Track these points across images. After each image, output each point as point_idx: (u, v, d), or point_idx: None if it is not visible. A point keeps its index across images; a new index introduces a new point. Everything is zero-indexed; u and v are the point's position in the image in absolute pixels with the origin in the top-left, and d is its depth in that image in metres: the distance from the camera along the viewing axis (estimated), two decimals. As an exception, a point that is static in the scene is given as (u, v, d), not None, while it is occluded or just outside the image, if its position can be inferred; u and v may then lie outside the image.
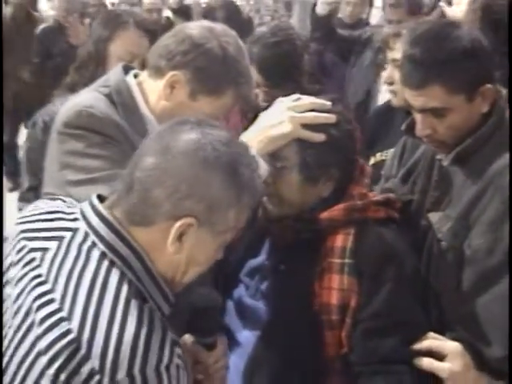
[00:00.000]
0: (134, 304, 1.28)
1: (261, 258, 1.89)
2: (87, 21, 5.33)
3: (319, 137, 1.76)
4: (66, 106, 1.94)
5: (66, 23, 6.21)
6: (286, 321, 1.77)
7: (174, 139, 1.34)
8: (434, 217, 1.90)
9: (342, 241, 1.75)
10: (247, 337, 1.84)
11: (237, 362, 1.79)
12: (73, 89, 2.50)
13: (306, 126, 1.76)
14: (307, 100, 1.81)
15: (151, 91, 1.88)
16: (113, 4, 8.13)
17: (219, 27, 1.88)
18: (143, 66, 2.49)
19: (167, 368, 1.24)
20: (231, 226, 1.38)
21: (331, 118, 1.78)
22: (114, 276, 1.30)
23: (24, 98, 6.30)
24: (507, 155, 1.79)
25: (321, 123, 1.77)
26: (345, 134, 1.80)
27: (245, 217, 1.41)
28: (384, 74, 2.70)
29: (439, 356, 1.71)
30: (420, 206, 1.98)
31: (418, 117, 1.85)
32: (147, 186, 1.32)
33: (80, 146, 1.82)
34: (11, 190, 6.28)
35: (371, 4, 6.79)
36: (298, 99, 1.81)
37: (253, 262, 1.90)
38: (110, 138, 1.82)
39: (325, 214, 1.77)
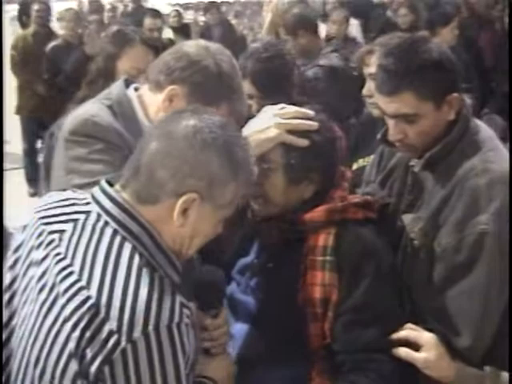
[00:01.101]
0: (145, 271, 1.32)
1: (250, 257, 1.92)
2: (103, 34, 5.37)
3: (302, 142, 1.79)
4: (72, 116, 1.96)
5: (73, 41, 6.27)
6: (273, 314, 1.79)
7: (175, 125, 1.40)
8: (407, 218, 1.93)
9: (323, 240, 1.78)
10: (239, 329, 1.85)
11: (230, 353, 1.80)
12: (84, 102, 2.51)
13: (291, 132, 1.80)
14: (292, 108, 1.84)
15: (151, 104, 1.89)
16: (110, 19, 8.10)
17: (215, 46, 1.91)
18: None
19: (178, 326, 1.28)
20: (230, 200, 1.42)
21: (313, 125, 1.81)
22: (126, 249, 1.35)
23: (40, 109, 6.33)
24: (471, 160, 1.81)
25: (304, 130, 1.80)
26: (326, 141, 1.83)
27: (242, 192, 1.46)
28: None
29: (416, 346, 1.73)
30: (396, 208, 2.00)
31: (390, 122, 1.87)
32: (152, 168, 1.37)
33: (84, 151, 1.85)
34: (32, 195, 6.30)
35: (347, 21, 6.81)
36: (283, 108, 1.84)
37: (243, 261, 1.92)
38: (113, 145, 1.85)
39: (307, 215, 1.80)
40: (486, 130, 1.92)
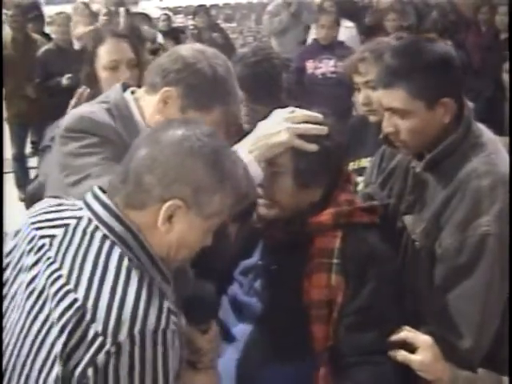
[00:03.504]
0: (134, 274, 1.32)
1: (254, 259, 1.91)
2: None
3: (312, 147, 1.78)
4: (69, 114, 1.98)
5: (65, 45, 6.25)
6: (277, 316, 1.78)
7: (163, 133, 1.41)
8: (408, 219, 1.93)
9: (330, 243, 1.77)
10: (242, 330, 1.84)
11: (233, 354, 1.81)
12: None
13: (301, 136, 1.78)
14: (302, 112, 1.83)
15: (147, 106, 1.90)
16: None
17: (210, 50, 1.92)
18: (131, 67, 2.62)
19: (164, 332, 1.27)
20: (217, 210, 1.41)
21: (323, 129, 1.80)
22: (116, 253, 1.34)
23: (28, 114, 6.30)
24: (473, 162, 1.81)
25: (314, 134, 1.79)
26: (335, 145, 1.82)
27: (230, 203, 1.44)
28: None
29: (412, 348, 1.73)
30: (396, 209, 2.00)
31: (385, 114, 1.89)
32: (140, 173, 1.37)
33: (78, 145, 1.84)
34: (23, 200, 6.25)
35: (339, 24, 6.80)
36: (293, 111, 1.83)
37: (247, 262, 1.91)
38: (108, 140, 1.84)
39: (315, 218, 1.79)
40: (488, 134, 1.92)
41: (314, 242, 1.78)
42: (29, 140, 7.00)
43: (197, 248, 1.47)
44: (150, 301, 1.28)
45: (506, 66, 4.71)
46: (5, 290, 1.43)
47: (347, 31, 6.40)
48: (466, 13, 7.59)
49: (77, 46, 6.15)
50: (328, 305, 1.73)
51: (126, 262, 1.33)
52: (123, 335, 1.24)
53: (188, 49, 1.90)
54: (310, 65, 5.61)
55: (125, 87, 2.00)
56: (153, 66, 1.91)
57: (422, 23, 6.64)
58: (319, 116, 1.83)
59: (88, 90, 2.69)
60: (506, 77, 4.70)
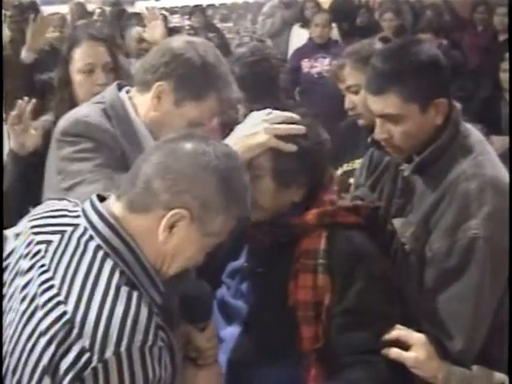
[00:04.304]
0: (123, 290, 1.30)
1: (240, 261, 1.90)
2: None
3: (291, 147, 1.77)
4: (65, 117, 1.96)
5: (60, 46, 6.21)
6: (264, 318, 1.77)
7: (181, 144, 1.40)
8: (397, 222, 1.92)
9: (315, 243, 1.76)
10: (230, 333, 1.83)
11: (221, 356, 1.78)
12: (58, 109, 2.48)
13: (279, 137, 1.77)
14: (279, 113, 1.82)
15: (140, 104, 1.89)
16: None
17: (198, 39, 1.93)
18: (107, 71, 2.55)
19: (150, 349, 1.26)
20: (218, 230, 1.41)
21: (301, 129, 1.79)
22: (107, 266, 1.33)
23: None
24: (461, 165, 1.81)
25: (292, 134, 1.78)
26: (314, 144, 1.81)
27: (230, 226, 1.44)
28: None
29: (406, 346, 1.72)
30: (386, 212, 1.99)
31: (377, 121, 1.87)
32: (150, 177, 1.36)
33: (74, 150, 1.84)
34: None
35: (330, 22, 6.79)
36: (270, 113, 1.82)
37: (233, 265, 1.90)
38: (104, 144, 1.84)
39: (298, 219, 1.78)
40: (475, 134, 1.91)
41: (299, 243, 1.78)
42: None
43: (189, 264, 1.46)
44: (137, 318, 1.27)
45: (504, 65, 4.71)
46: (4, 290, 1.43)
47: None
48: (461, 12, 7.59)
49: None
50: (315, 306, 1.73)
51: (117, 276, 1.32)
52: (109, 352, 1.23)
53: (175, 40, 1.91)
54: (305, 64, 5.62)
55: (120, 87, 1.99)
56: (141, 63, 1.92)
57: (418, 22, 6.64)
58: (296, 116, 1.82)
59: (32, 101, 2.54)
60: (503, 76, 4.70)
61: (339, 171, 2.75)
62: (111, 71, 2.58)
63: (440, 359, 1.73)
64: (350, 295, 1.71)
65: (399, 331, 1.73)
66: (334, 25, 6.55)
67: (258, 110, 1.88)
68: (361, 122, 2.54)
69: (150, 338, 1.26)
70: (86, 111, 1.90)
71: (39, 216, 1.50)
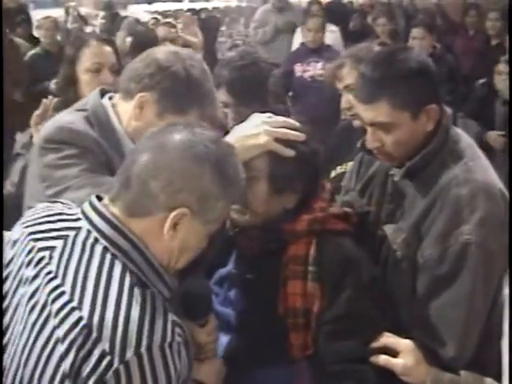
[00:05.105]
0: (137, 290, 1.30)
1: (228, 268, 1.87)
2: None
3: (289, 152, 1.75)
4: (47, 124, 1.95)
5: (52, 49, 6.20)
6: (253, 325, 1.75)
7: (168, 137, 1.38)
8: (388, 229, 1.90)
9: (304, 250, 1.74)
10: (219, 341, 1.79)
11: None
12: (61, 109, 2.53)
13: (278, 141, 1.75)
14: (280, 118, 1.80)
15: (123, 112, 1.87)
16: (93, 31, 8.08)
17: (184, 51, 1.91)
18: (113, 72, 2.65)
19: (170, 345, 1.27)
20: (219, 216, 1.42)
21: (301, 136, 1.77)
22: (117, 268, 1.32)
23: (16, 118, 6.23)
24: (452, 170, 1.80)
25: (291, 140, 1.76)
26: (311, 152, 1.80)
27: (229, 208, 1.47)
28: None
29: (393, 353, 1.71)
30: (376, 217, 1.97)
31: (368, 130, 1.86)
32: (144, 179, 1.34)
33: (57, 157, 1.82)
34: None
35: (324, 28, 6.78)
36: (271, 117, 1.80)
37: (221, 272, 1.88)
38: (88, 150, 1.82)
39: (289, 225, 1.76)
40: (466, 139, 1.90)
41: (289, 250, 1.76)
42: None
43: (195, 252, 1.45)
44: (154, 316, 1.28)
45: (499, 67, 4.86)
46: (6, 302, 1.41)
47: (332, 35, 6.39)
48: (453, 16, 7.61)
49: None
50: (305, 313, 1.71)
51: (128, 276, 1.32)
52: (130, 353, 1.23)
53: (161, 51, 1.89)
54: (298, 68, 5.62)
55: (103, 93, 1.98)
56: (126, 71, 1.90)
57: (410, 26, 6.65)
58: (296, 123, 1.81)
59: (55, 100, 2.70)
60: (498, 78, 4.85)
61: (332, 174, 2.75)
62: (116, 73, 2.64)
63: (428, 365, 1.72)
64: (339, 302, 1.69)
65: (387, 338, 1.72)
66: (336, 28, 6.58)
67: (247, 114, 1.86)
68: (356, 122, 2.53)
69: (169, 334, 1.27)
70: (70, 118, 1.88)
71: (36, 222, 1.46)
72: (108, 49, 2.75)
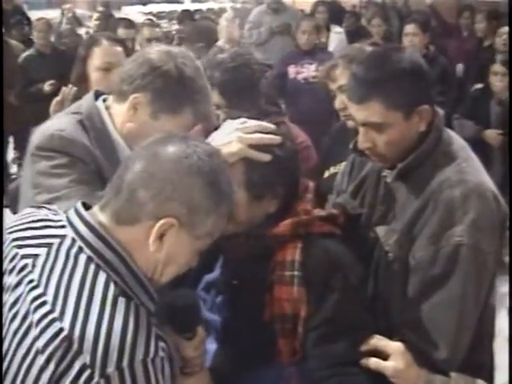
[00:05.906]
0: (120, 302, 1.27)
1: (215, 274, 1.84)
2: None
3: (265, 157, 1.70)
4: (40, 130, 1.92)
5: (46, 50, 6.18)
6: (241, 331, 1.72)
7: (163, 148, 1.36)
8: (380, 230, 1.88)
9: (290, 254, 1.70)
10: (207, 348, 1.76)
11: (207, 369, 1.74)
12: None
13: (253, 147, 1.70)
14: (253, 123, 1.76)
15: (117, 114, 1.87)
16: (87, 32, 8.08)
17: (177, 49, 1.90)
18: None
19: (153, 361, 1.23)
20: (209, 231, 1.38)
21: (276, 139, 1.73)
22: (101, 278, 1.29)
23: (10, 120, 6.21)
24: (445, 172, 1.78)
25: (266, 144, 1.72)
26: (288, 154, 1.75)
27: (221, 225, 1.42)
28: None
29: (384, 356, 1.70)
30: (368, 219, 1.96)
31: (360, 130, 1.84)
32: (134, 186, 1.32)
33: (49, 166, 1.81)
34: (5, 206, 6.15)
35: (329, 29, 6.80)
36: (244, 122, 1.76)
37: (208, 278, 1.85)
38: (78, 159, 1.81)
39: (273, 230, 1.72)
40: (458, 141, 1.89)
41: (274, 255, 1.72)
42: (12, 147, 6.89)
43: (183, 268, 1.42)
44: (137, 330, 1.24)
45: (494, 68, 4.91)
46: None
47: (336, 36, 6.40)
48: (447, 18, 7.63)
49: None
50: (292, 318, 1.68)
51: (112, 288, 1.28)
52: (111, 367, 1.19)
53: (153, 51, 1.88)
54: (291, 70, 5.62)
55: (97, 95, 1.97)
56: (119, 72, 1.89)
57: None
58: (271, 126, 1.76)
59: (74, 89, 2.78)
60: (494, 79, 4.90)
61: (326, 174, 2.74)
62: None
63: (419, 367, 1.71)
64: (326, 306, 1.66)
65: (377, 341, 1.70)
66: (340, 29, 6.57)
67: (240, 116, 1.84)
68: (350, 123, 2.51)
69: (152, 349, 1.24)
70: (62, 125, 1.87)
71: (20, 228, 1.44)
72: (119, 49, 2.83)
